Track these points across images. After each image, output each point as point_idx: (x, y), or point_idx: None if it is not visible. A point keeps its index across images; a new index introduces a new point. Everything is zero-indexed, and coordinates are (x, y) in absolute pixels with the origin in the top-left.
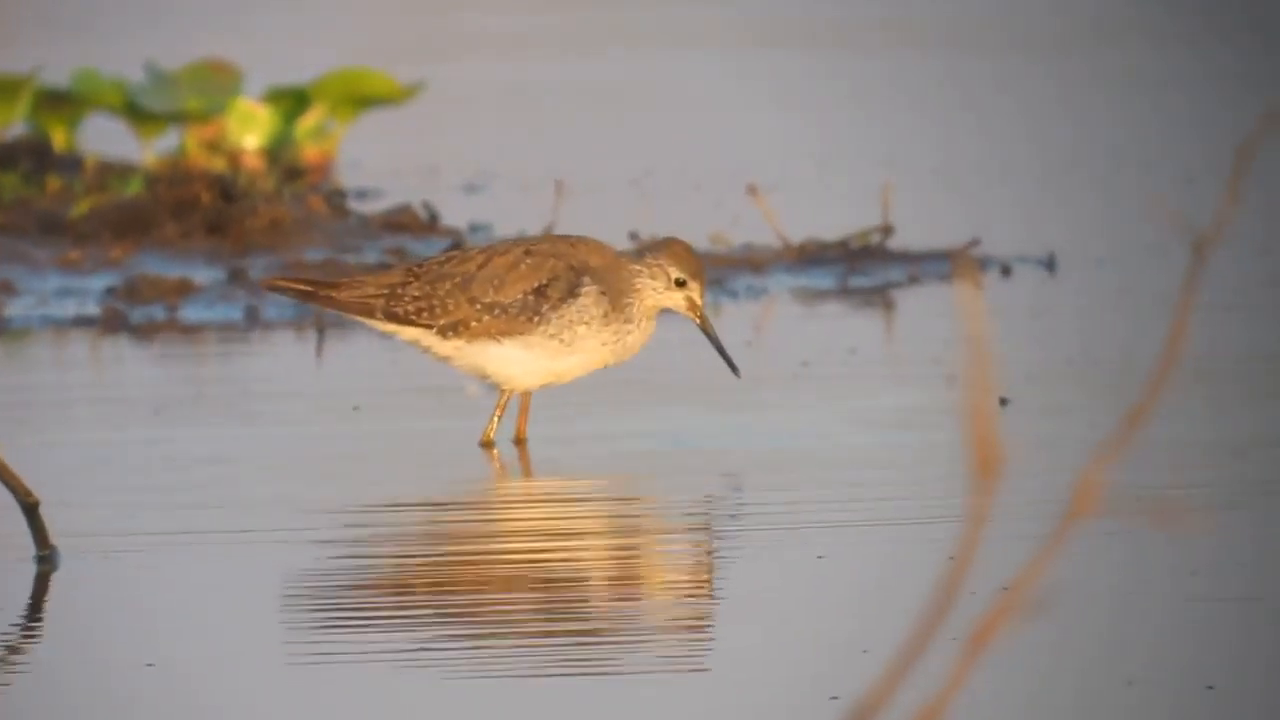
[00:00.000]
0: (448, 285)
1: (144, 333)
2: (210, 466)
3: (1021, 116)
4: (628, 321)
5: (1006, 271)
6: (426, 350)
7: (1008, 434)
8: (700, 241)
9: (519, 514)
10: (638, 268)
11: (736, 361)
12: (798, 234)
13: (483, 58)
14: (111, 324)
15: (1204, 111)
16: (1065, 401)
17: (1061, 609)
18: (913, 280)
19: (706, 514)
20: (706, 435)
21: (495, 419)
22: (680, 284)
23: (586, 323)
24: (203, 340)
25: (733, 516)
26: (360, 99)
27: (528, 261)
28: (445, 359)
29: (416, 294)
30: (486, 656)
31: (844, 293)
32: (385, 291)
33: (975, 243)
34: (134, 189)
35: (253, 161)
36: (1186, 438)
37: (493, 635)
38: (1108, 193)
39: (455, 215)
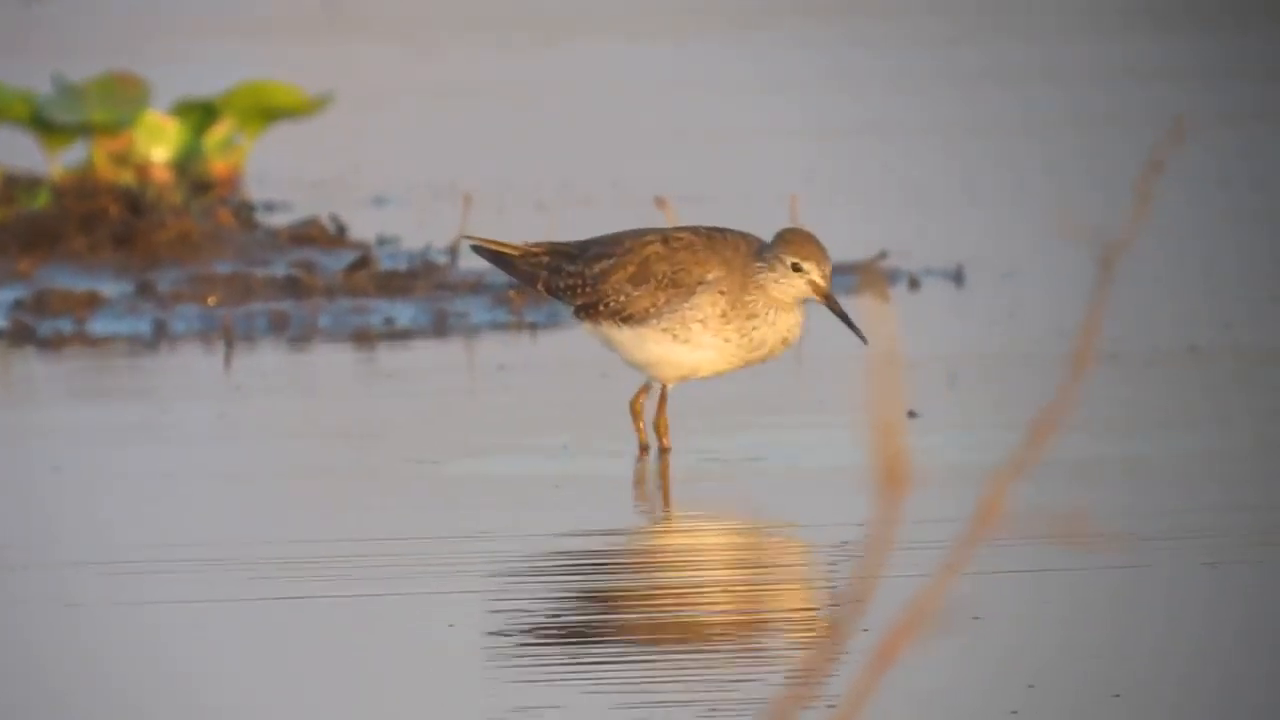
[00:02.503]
0: (597, 267)
1: (52, 346)
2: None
3: (931, 129)
4: (752, 318)
5: (915, 284)
6: (576, 323)
7: (915, 448)
8: None
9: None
10: (759, 264)
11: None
12: None
13: (392, 64)
14: (19, 337)
15: (1127, 117)
16: (974, 414)
17: (971, 618)
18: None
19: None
20: (803, 451)
21: (661, 410)
22: (797, 269)
23: (701, 320)
24: (112, 353)
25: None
26: (268, 111)
27: (660, 253)
28: (587, 334)
29: (573, 271)
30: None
31: None
32: (552, 265)
33: (883, 255)
34: (41, 202)
35: (161, 174)
36: (1097, 454)
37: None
38: (1019, 205)
39: (363, 228)
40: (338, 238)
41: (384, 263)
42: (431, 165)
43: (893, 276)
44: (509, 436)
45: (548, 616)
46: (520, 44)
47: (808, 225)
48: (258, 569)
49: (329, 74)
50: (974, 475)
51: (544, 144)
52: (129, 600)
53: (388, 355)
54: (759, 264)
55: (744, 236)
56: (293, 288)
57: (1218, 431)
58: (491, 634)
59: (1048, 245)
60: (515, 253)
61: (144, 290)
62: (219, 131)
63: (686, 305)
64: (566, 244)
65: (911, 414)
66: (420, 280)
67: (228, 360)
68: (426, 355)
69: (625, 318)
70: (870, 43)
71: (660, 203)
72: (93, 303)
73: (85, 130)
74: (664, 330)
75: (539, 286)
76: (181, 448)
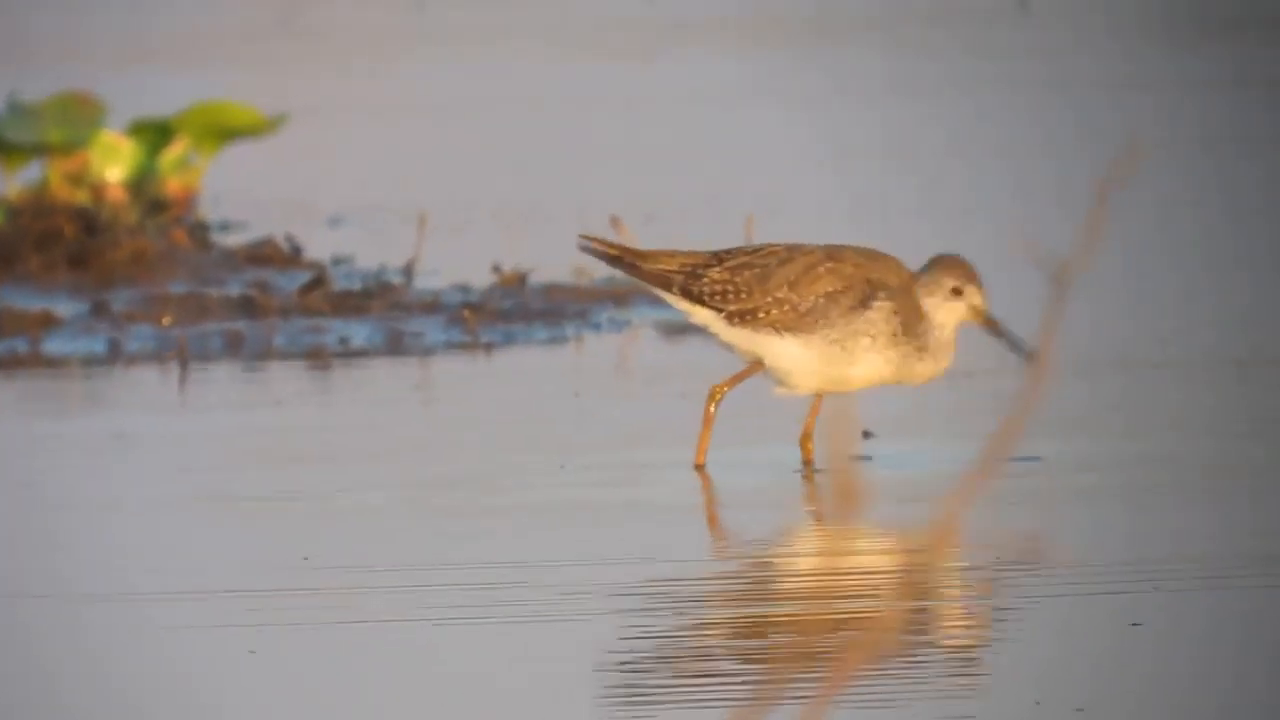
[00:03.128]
0: (747, 275)
1: (6, 366)
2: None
3: (891, 141)
4: (921, 350)
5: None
6: (714, 334)
7: (870, 467)
8: (563, 274)
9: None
10: (921, 289)
11: (1019, 344)
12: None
13: (350, 82)
14: None
15: (1090, 133)
16: (926, 434)
17: (928, 633)
18: None
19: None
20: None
21: (811, 419)
22: (957, 293)
23: (872, 336)
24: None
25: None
26: (224, 131)
27: (828, 265)
28: (729, 345)
29: (717, 278)
30: None
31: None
32: (687, 270)
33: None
34: None
35: (116, 194)
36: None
37: None
38: (973, 219)
39: (319, 248)
40: (293, 257)
41: (339, 282)
42: (388, 184)
43: None
44: (515, 456)
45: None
46: (479, 61)
47: (761, 241)
48: (240, 597)
49: (285, 93)
50: (926, 493)
51: (504, 162)
52: (81, 625)
53: (349, 373)
54: (921, 290)
55: (899, 263)
56: (248, 307)
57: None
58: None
59: (1009, 261)
60: (638, 256)
61: (99, 310)
62: (174, 151)
63: (861, 319)
64: (695, 252)
65: (866, 434)
66: (375, 300)
67: (182, 380)
68: (406, 372)
69: (789, 327)
70: (833, 59)
71: (615, 222)
72: (47, 322)
73: (40, 150)
74: (833, 342)
75: (675, 291)
76: (135, 467)
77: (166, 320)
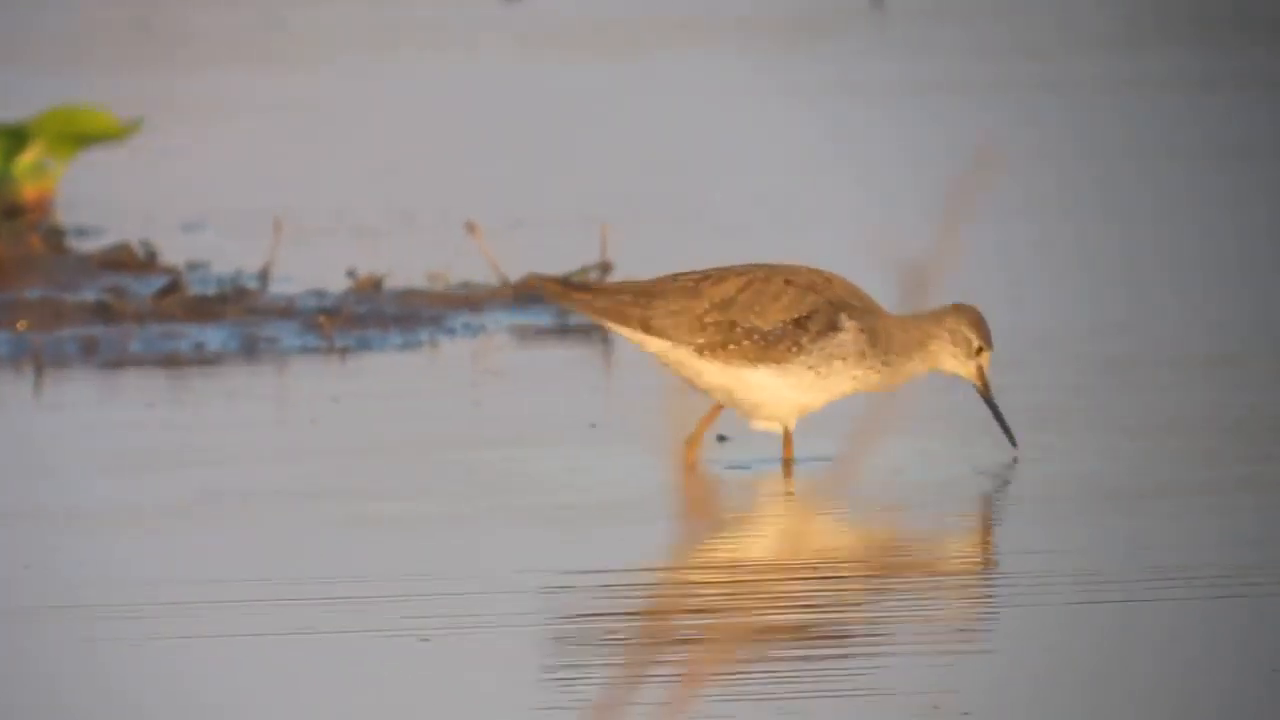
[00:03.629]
0: (706, 304)
1: None
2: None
3: (743, 150)
4: (885, 364)
5: None
6: (674, 365)
7: (728, 470)
8: (419, 280)
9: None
10: (936, 330)
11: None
12: (516, 271)
13: (208, 86)
14: None
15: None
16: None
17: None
18: None
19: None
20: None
21: (788, 449)
22: (980, 351)
23: (843, 358)
24: None
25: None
26: (79, 136)
27: (789, 292)
28: (693, 375)
29: (675, 309)
30: None
31: (561, 330)
32: (642, 302)
33: (585, 277)
34: None
35: None
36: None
37: None
38: (823, 224)
39: (174, 253)
40: (148, 263)
41: (195, 287)
42: (245, 190)
43: None
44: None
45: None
46: (341, 63)
47: (615, 251)
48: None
49: (142, 97)
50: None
51: (361, 168)
52: None
53: (205, 378)
54: (935, 330)
55: (851, 284)
56: (103, 313)
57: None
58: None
59: (856, 267)
60: (588, 293)
61: None
62: (29, 156)
63: (833, 341)
64: (646, 281)
65: (722, 438)
66: (231, 305)
67: (37, 385)
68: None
69: (760, 357)
70: (698, 62)
71: (471, 228)
72: None
73: None
74: (810, 368)
75: (633, 324)
76: None
77: (21, 325)
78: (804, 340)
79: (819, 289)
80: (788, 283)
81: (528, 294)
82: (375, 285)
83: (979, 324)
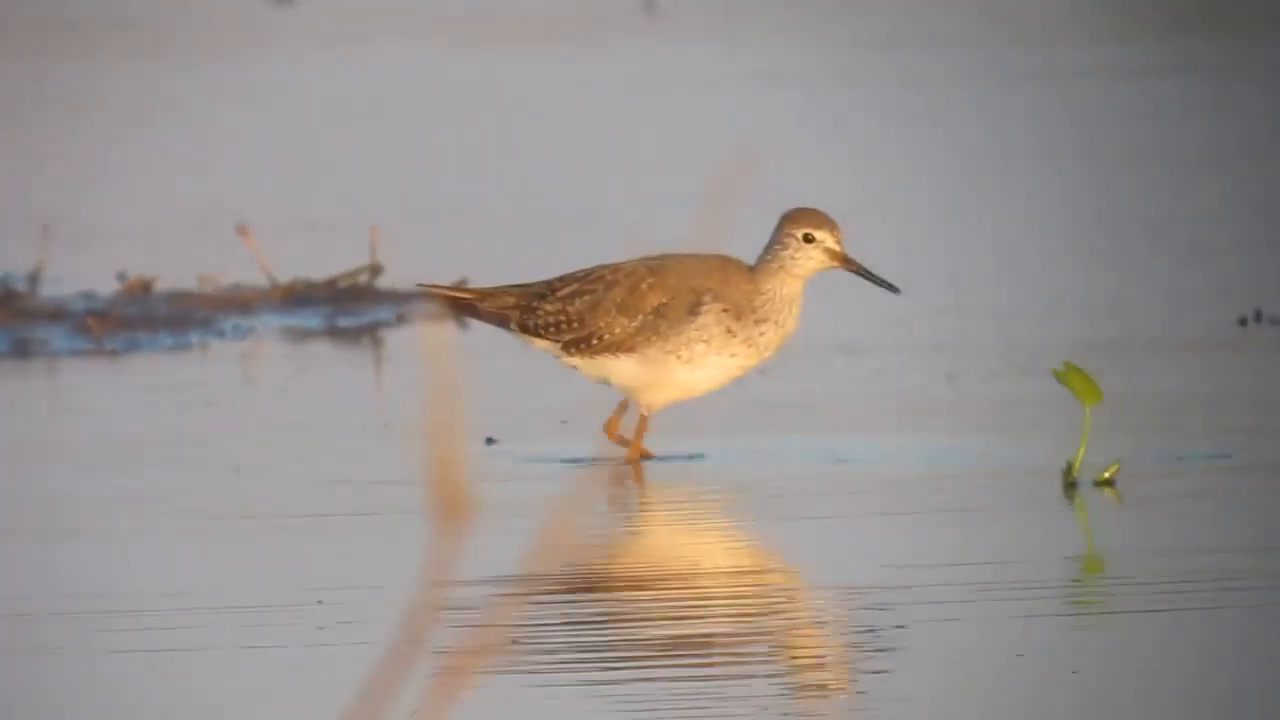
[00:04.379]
0: (578, 303)
1: None
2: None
3: (509, 156)
4: (760, 321)
5: None
6: (558, 360)
7: (478, 472)
8: (189, 282)
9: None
10: (766, 258)
11: (888, 281)
12: (287, 274)
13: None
14: None
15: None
16: (550, 440)
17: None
18: (400, 320)
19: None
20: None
21: (639, 439)
22: (809, 239)
23: (706, 340)
24: None
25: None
26: None
27: (650, 281)
28: (573, 368)
29: (550, 309)
30: None
31: (332, 332)
32: (523, 304)
33: (465, 282)
34: None
35: None
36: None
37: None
38: (591, 222)
39: None
40: None
41: None
42: (13, 192)
43: None
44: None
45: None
46: (123, 61)
47: (385, 257)
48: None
49: None
50: (550, 501)
51: (139, 169)
52: None
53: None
54: (772, 253)
55: (725, 258)
56: None
57: None
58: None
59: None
60: (476, 296)
61: None
62: None
63: (692, 326)
64: (529, 284)
65: (490, 440)
66: (0, 308)
67: None
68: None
69: (624, 347)
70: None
71: (242, 231)
72: None
73: None
74: (669, 353)
75: (513, 328)
76: None
77: None
78: (662, 327)
79: (685, 274)
80: (651, 271)
81: (299, 296)
82: (145, 287)
83: (802, 216)
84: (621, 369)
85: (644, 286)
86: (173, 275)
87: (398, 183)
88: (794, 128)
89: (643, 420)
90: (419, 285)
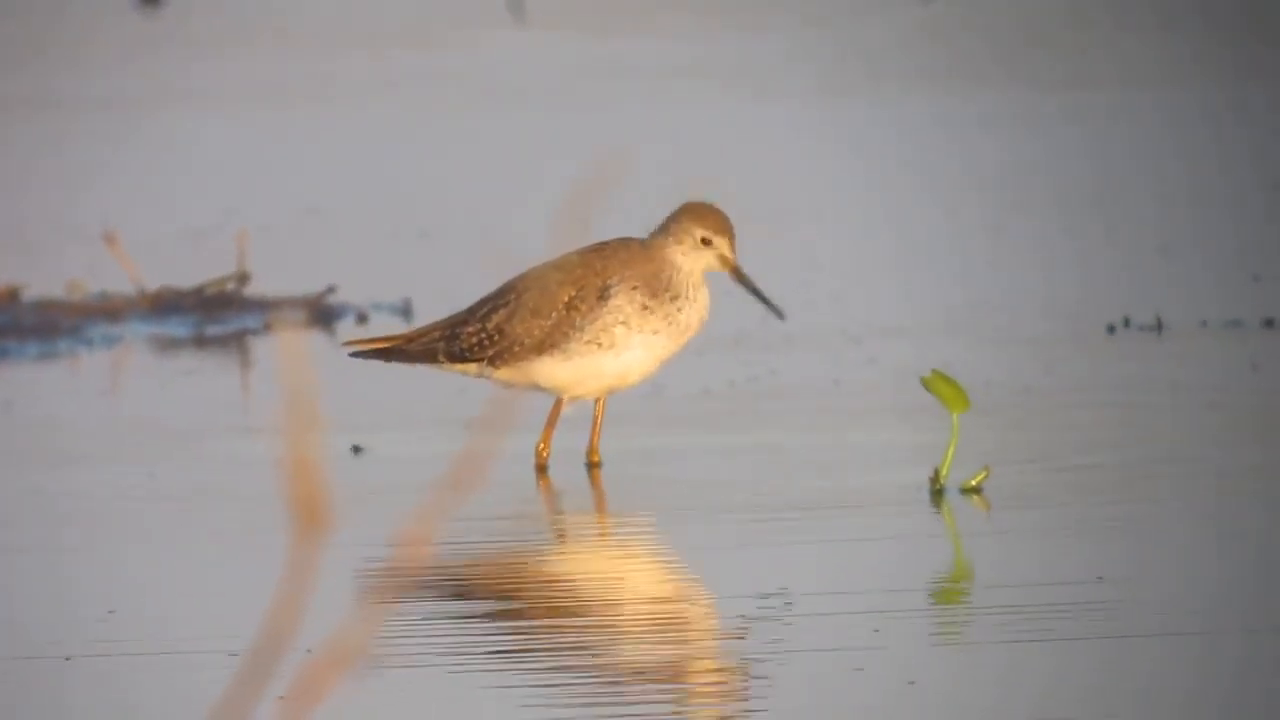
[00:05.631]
0: (496, 319)
1: None
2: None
3: (376, 163)
4: (675, 298)
5: (363, 319)
6: (491, 380)
7: (343, 481)
8: (57, 290)
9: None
10: (662, 240)
11: (775, 305)
12: (155, 282)
13: None
14: None
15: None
16: (418, 450)
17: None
18: (268, 327)
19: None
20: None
21: (548, 431)
22: (706, 243)
23: (624, 322)
24: None
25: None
26: None
27: (556, 278)
28: (508, 384)
29: (472, 332)
30: None
31: (199, 340)
32: (446, 334)
33: (331, 290)
34: None
35: None
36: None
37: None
38: (449, 232)
39: None
40: None
41: None
42: None
43: (341, 310)
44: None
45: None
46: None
47: (252, 265)
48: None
49: None
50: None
51: (2, 176)
52: None
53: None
54: (661, 240)
55: (627, 239)
56: None
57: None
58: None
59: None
60: (400, 341)
61: None
62: None
63: (605, 310)
64: (450, 317)
65: (356, 448)
66: None
67: None
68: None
69: (544, 347)
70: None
71: (109, 238)
72: None
73: None
74: (589, 343)
75: (441, 359)
76: None
77: None
78: (575, 318)
79: (589, 265)
80: (555, 269)
81: (166, 304)
82: (12, 295)
83: (701, 215)
84: (548, 370)
85: (552, 285)
86: (40, 283)
87: (265, 191)
88: (663, 130)
89: (558, 405)
90: (345, 344)
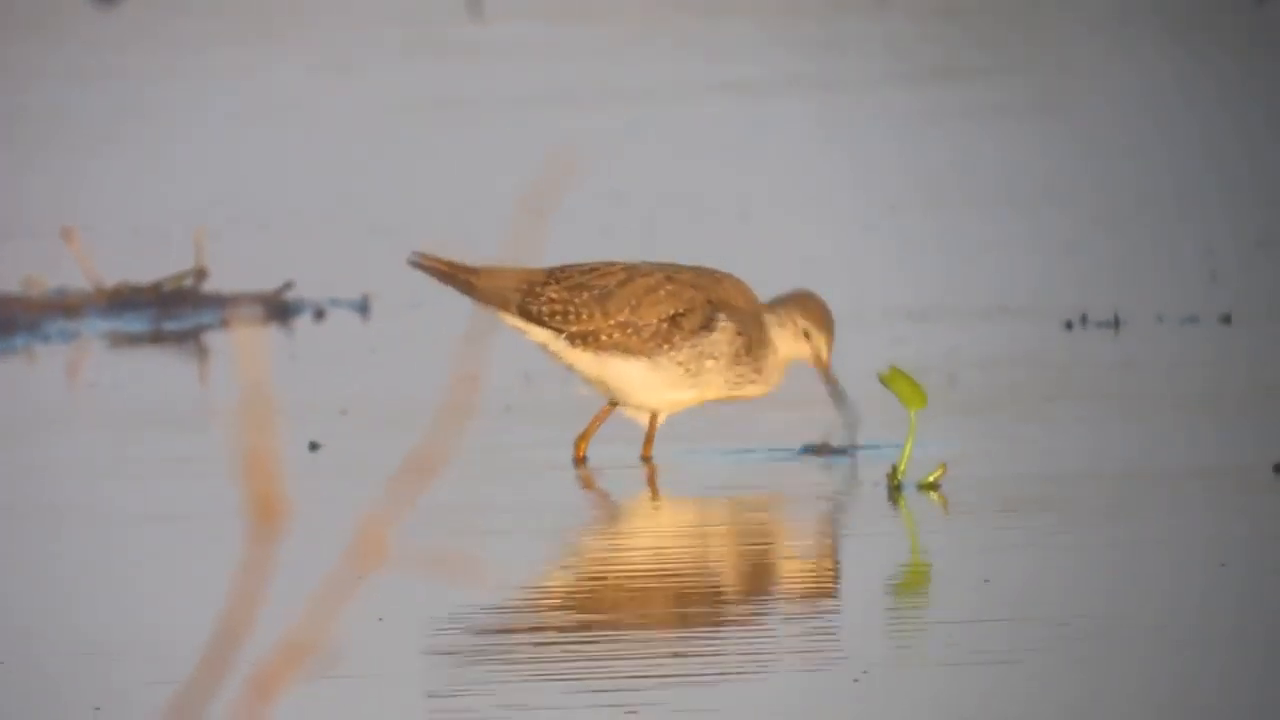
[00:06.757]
0: (585, 295)
1: None
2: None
3: (334, 161)
4: (757, 371)
5: (320, 315)
6: (552, 354)
7: (311, 478)
8: (11, 285)
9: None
10: (770, 316)
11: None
12: (113, 277)
13: None
14: None
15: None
16: (376, 445)
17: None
18: (225, 323)
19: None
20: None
21: (650, 438)
22: (807, 335)
23: (715, 357)
24: None
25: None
26: None
27: (668, 287)
28: (569, 365)
29: (554, 296)
30: None
31: (157, 336)
32: (524, 288)
33: (288, 286)
34: None
35: None
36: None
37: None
38: (404, 232)
39: None
40: None
41: None
42: None
43: (298, 307)
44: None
45: None
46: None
47: (210, 259)
48: None
49: None
50: (365, 507)
51: None
52: None
53: None
54: (770, 316)
55: (744, 285)
56: None
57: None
58: None
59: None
60: (467, 273)
61: None
62: None
63: (706, 341)
64: (522, 268)
65: (314, 445)
66: None
67: None
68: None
69: (634, 349)
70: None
71: (67, 234)
72: None
73: None
74: (679, 364)
75: (513, 311)
76: None
77: None
78: (676, 337)
79: (702, 287)
80: (669, 279)
81: (123, 300)
82: None
83: (809, 308)
84: (627, 372)
85: (661, 292)
86: None
87: (223, 188)
88: (620, 134)
89: (652, 420)
90: (412, 255)
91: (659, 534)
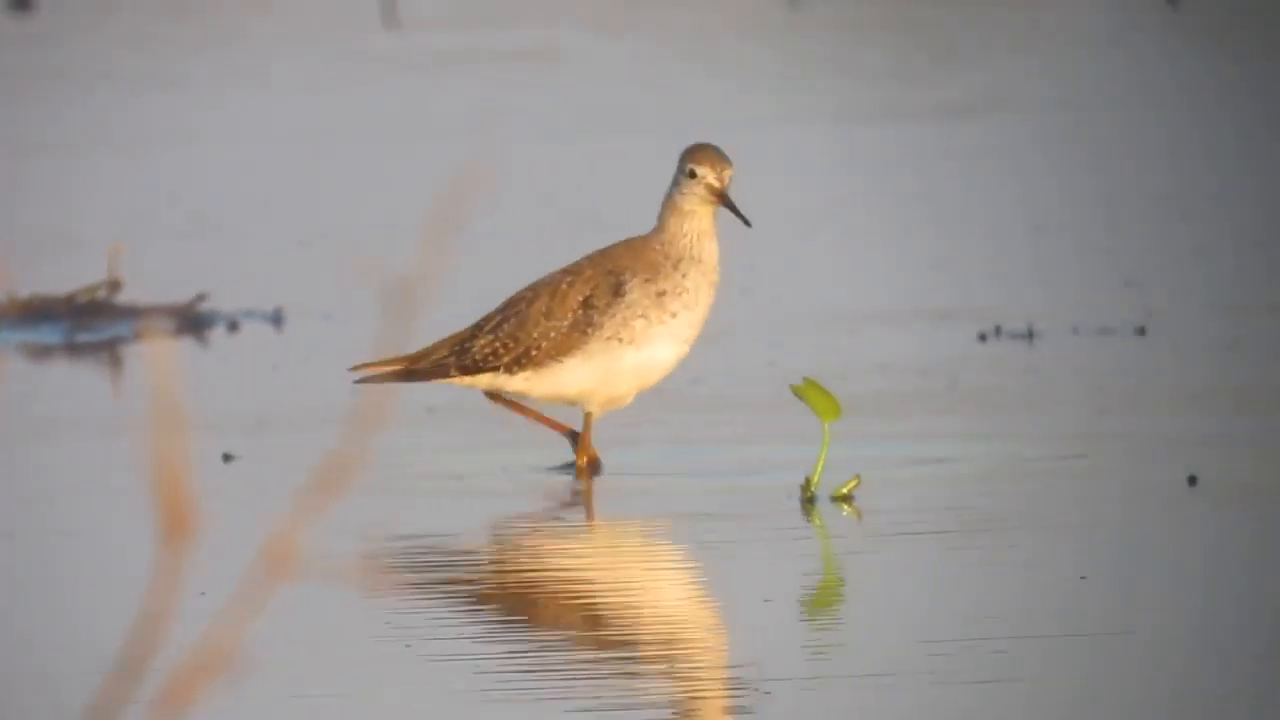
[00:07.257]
0: (507, 328)
1: None
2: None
3: (252, 172)
4: (678, 264)
5: (234, 327)
6: (504, 392)
7: (214, 488)
8: None
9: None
10: (666, 198)
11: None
12: (26, 289)
13: None
14: None
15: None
16: (289, 456)
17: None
18: (139, 335)
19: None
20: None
21: (585, 440)
22: (692, 175)
23: (643, 315)
24: None
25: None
26: None
27: (568, 280)
28: (523, 395)
29: (483, 343)
30: None
31: (71, 348)
32: (456, 350)
33: (202, 297)
34: None
35: None
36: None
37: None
38: (321, 244)
39: None
40: None
41: None
42: None
43: (212, 319)
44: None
45: None
46: None
47: (125, 271)
48: None
49: None
50: (275, 516)
51: None
52: None
53: None
54: (666, 197)
55: (629, 238)
56: None
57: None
58: None
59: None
60: (406, 363)
61: None
62: None
63: (622, 305)
64: (452, 335)
65: (228, 457)
66: None
67: None
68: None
69: (564, 350)
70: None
71: None
72: None
73: None
74: (609, 339)
75: (454, 374)
76: None
77: None
78: (595, 316)
79: (598, 263)
80: (566, 273)
81: (36, 312)
82: None
83: (694, 152)
84: (571, 374)
85: (564, 288)
86: None
87: (140, 199)
88: (530, 139)
89: (588, 419)
90: (351, 369)
91: (571, 552)
